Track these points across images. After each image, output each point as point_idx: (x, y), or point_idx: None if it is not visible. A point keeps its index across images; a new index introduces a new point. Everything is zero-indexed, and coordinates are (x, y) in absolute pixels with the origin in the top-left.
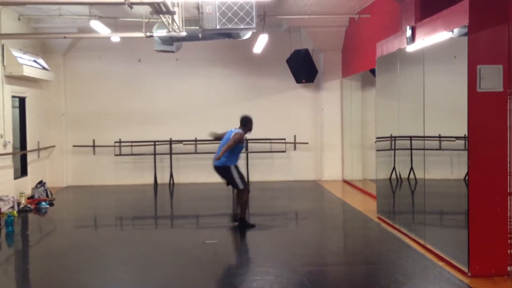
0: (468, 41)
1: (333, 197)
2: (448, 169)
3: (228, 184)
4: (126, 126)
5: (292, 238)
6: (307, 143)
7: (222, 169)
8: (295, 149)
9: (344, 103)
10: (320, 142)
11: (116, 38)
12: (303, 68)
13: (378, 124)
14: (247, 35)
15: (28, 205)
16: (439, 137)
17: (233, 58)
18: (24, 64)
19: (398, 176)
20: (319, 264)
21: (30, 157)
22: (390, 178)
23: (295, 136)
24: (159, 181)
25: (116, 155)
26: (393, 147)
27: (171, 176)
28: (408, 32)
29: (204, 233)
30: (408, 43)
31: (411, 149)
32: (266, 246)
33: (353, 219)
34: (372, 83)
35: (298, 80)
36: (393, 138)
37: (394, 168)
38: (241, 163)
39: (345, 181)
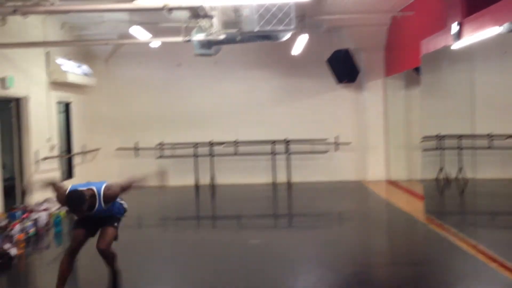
0: None
1: (378, 198)
2: (499, 168)
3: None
4: (168, 129)
5: (336, 239)
6: (349, 143)
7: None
8: (337, 149)
9: (387, 103)
10: (363, 142)
11: (156, 43)
12: (344, 68)
13: (423, 123)
14: (286, 36)
15: None
16: (490, 135)
17: (272, 60)
18: (68, 71)
19: (446, 176)
20: (364, 265)
21: (75, 160)
22: (437, 178)
23: (337, 136)
24: (200, 183)
25: (158, 157)
26: (440, 147)
27: (212, 177)
28: (455, 29)
29: (247, 233)
30: (454, 40)
31: (459, 148)
32: (310, 247)
33: (399, 219)
34: (416, 82)
35: (339, 81)
36: (440, 137)
37: (441, 167)
38: (281, 164)
39: (389, 182)
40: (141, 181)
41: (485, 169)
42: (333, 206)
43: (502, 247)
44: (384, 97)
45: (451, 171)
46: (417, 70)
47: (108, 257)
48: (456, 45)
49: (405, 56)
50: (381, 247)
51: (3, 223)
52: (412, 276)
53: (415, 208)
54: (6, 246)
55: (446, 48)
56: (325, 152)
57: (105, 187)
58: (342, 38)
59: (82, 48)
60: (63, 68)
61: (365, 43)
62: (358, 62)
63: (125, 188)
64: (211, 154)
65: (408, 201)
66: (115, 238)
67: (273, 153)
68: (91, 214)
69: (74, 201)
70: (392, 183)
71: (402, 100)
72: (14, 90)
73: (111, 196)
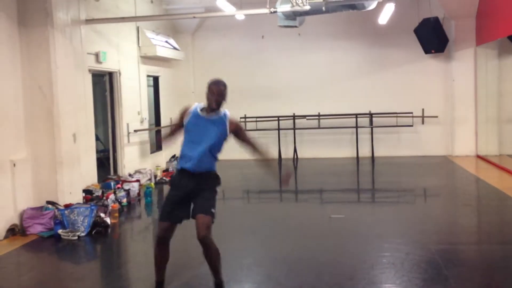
0: None
1: (466, 173)
2: None
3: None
4: (251, 101)
5: (422, 215)
6: (436, 116)
7: (207, 177)
8: (423, 123)
9: (478, 74)
10: (451, 116)
11: (240, 15)
12: (433, 38)
13: None
14: (372, 5)
15: (164, 178)
16: None
17: (357, 30)
18: (157, 45)
19: None
20: (452, 243)
21: (164, 133)
22: None
23: (423, 109)
24: (283, 156)
25: None
26: None
27: (295, 150)
28: None
29: (329, 207)
30: None
31: None
32: (395, 223)
33: (489, 196)
34: (510, 51)
35: (427, 51)
36: None
37: None
38: (365, 137)
39: (479, 157)
40: (259, 148)
41: None
42: (418, 181)
43: None
44: (474, 67)
45: None
46: (511, 38)
47: (209, 246)
48: None
49: (498, 24)
50: (471, 225)
51: (98, 193)
52: (502, 255)
53: (506, 184)
54: (102, 215)
55: None
56: (410, 125)
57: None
58: (430, 6)
59: (169, 22)
60: (153, 42)
61: (455, 10)
62: (447, 31)
63: (245, 136)
64: (294, 128)
65: (499, 177)
66: (212, 222)
67: (357, 127)
68: (204, 125)
69: (217, 80)
70: (482, 158)
71: (495, 70)
72: (107, 65)
73: (234, 122)
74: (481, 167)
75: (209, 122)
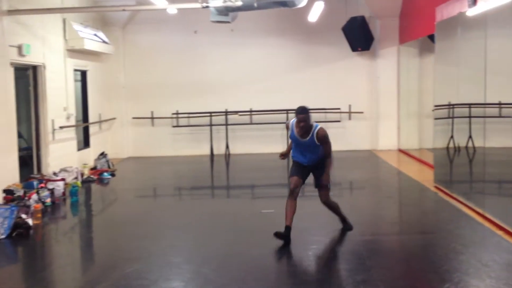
0: None
1: (389, 167)
2: (508, 137)
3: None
4: (183, 97)
5: (348, 208)
6: (362, 112)
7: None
8: (350, 118)
9: (400, 71)
10: (376, 111)
11: (173, 9)
12: (359, 36)
13: (436, 92)
14: (303, 3)
15: (91, 176)
16: (500, 104)
17: (288, 27)
18: (85, 38)
19: (457, 144)
20: (375, 234)
21: (92, 129)
22: (447, 147)
23: (350, 105)
24: (215, 152)
25: (173, 126)
26: (451, 115)
27: (227, 146)
28: None
29: (260, 203)
30: (469, 6)
31: (470, 117)
32: (322, 216)
33: (409, 188)
34: (430, 50)
35: (354, 48)
36: (451, 106)
37: (452, 136)
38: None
39: (400, 151)
40: (329, 158)
41: (494, 138)
42: (345, 175)
43: (509, 215)
44: (397, 65)
45: (461, 140)
46: (431, 37)
47: (331, 206)
48: (471, 12)
49: (419, 23)
50: (391, 216)
51: (20, 193)
52: (421, 244)
53: (425, 177)
54: (23, 216)
55: (461, 15)
56: (338, 121)
57: (320, 127)
58: (357, 5)
59: (98, 15)
60: (81, 35)
61: (380, 10)
62: (373, 29)
63: (328, 145)
64: (226, 123)
65: (419, 170)
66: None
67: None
68: (302, 143)
69: (301, 108)
70: (403, 152)
71: (416, 68)
72: (30, 58)
73: (321, 135)
74: (403, 161)
75: (303, 142)
